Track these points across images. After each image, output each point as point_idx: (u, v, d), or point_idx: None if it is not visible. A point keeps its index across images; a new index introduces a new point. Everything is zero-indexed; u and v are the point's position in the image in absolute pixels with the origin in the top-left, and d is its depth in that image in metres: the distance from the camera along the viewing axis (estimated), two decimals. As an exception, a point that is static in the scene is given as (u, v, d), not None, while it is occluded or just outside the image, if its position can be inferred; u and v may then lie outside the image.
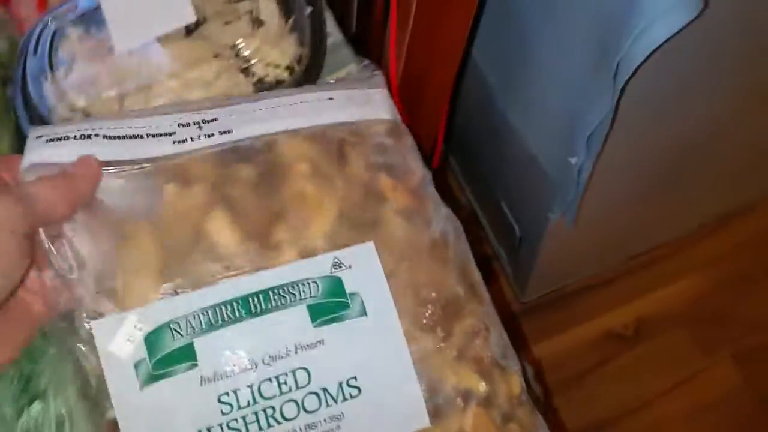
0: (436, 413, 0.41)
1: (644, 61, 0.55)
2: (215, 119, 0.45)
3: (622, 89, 0.59)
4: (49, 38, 0.54)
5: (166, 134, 0.43)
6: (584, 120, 0.66)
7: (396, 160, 0.46)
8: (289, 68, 0.54)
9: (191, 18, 0.52)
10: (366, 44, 0.74)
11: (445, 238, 0.47)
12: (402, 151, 0.47)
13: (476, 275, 0.49)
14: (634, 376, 1.08)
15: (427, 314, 0.43)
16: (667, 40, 0.53)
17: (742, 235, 1.15)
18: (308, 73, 0.55)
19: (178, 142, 0.43)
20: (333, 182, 0.44)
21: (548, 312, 1.11)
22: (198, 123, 0.44)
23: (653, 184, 0.89)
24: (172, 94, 0.50)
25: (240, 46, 0.53)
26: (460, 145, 1.09)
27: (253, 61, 0.53)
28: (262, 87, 0.53)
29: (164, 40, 0.52)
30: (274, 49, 0.53)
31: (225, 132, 0.44)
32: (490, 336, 0.45)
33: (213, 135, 0.44)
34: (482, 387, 0.42)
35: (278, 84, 0.54)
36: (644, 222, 1.02)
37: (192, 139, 0.43)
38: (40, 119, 0.52)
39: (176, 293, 0.39)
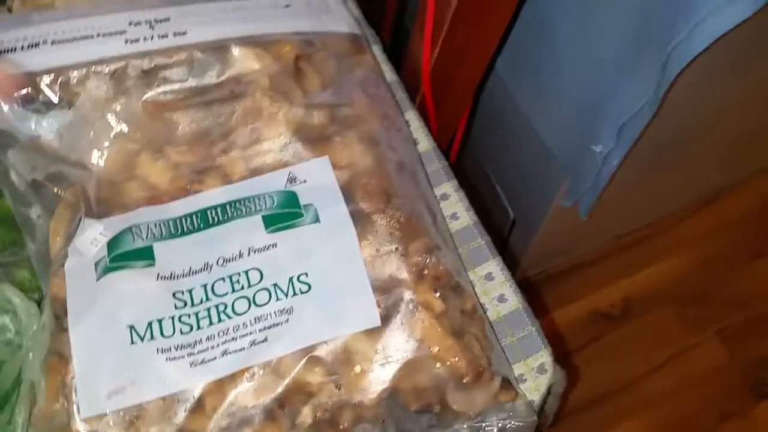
0: (387, 316, 0.42)
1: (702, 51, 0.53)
2: (167, 18, 0.45)
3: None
4: None
5: (117, 33, 0.44)
6: (616, 108, 0.65)
7: (356, 78, 0.48)
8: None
9: None
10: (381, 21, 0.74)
11: (411, 171, 0.49)
12: (363, 69, 0.49)
13: (435, 202, 0.51)
14: (621, 354, 1.08)
15: (384, 224, 0.44)
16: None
17: (726, 215, 1.16)
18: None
19: (131, 41, 0.44)
20: (289, 98, 0.46)
21: (537, 293, 1.12)
22: (150, 22, 0.44)
23: (642, 167, 0.89)
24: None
25: None
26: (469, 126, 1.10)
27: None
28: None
29: None
30: None
31: (179, 33, 0.44)
32: (443, 254, 0.46)
33: (167, 36, 0.44)
34: (438, 305, 0.43)
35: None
36: (632, 203, 1.03)
37: (144, 39, 0.44)
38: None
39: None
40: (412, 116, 0.56)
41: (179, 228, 0.42)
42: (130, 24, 0.44)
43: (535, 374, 0.47)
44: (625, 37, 0.61)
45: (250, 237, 0.42)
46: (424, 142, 0.55)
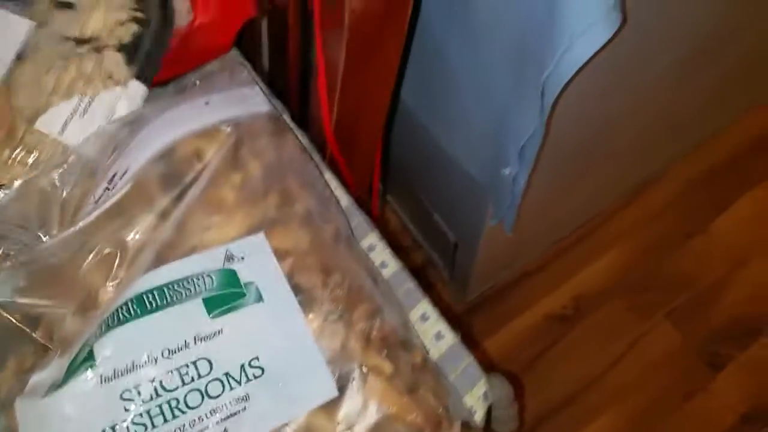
0: (341, 387, 0.42)
1: (571, 79, 0.55)
2: (114, 174, 0.48)
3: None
4: None
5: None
6: (512, 133, 0.67)
7: (285, 157, 0.50)
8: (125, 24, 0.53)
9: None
10: (282, 84, 0.77)
11: (346, 238, 0.50)
12: (288, 147, 0.50)
13: (370, 263, 0.52)
14: (582, 353, 1.11)
15: (326, 297, 0.45)
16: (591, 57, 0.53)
17: (653, 202, 1.21)
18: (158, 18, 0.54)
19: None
20: (233, 184, 0.47)
21: (490, 307, 1.14)
22: (107, 187, 0.47)
23: (557, 176, 0.93)
24: (58, 108, 0.51)
25: (68, 34, 0.52)
26: (386, 166, 1.13)
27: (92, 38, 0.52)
28: (127, 51, 0.53)
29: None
30: (91, 19, 0.53)
31: (124, 173, 0.47)
32: (386, 314, 0.47)
33: (117, 185, 0.47)
34: (388, 367, 0.44)
35: (137, 39, 0.53)
36: (567, 206, 1.07)
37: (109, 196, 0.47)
38: None
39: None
40: (328, 176, 0.57)
41: (115, 319, 0.42)
42: (96, 202, 0.47)
43: (482, 403, 0.49)
44: (507, 66, 0.64)
45: (193, 324, 0.42)
46: (343, 200, 0.57)
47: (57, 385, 0.40)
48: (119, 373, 0.40)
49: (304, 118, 0.69)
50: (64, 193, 0.50)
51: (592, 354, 1.11)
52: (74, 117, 0.51)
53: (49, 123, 0.51)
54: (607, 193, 1.16)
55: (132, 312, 0.42)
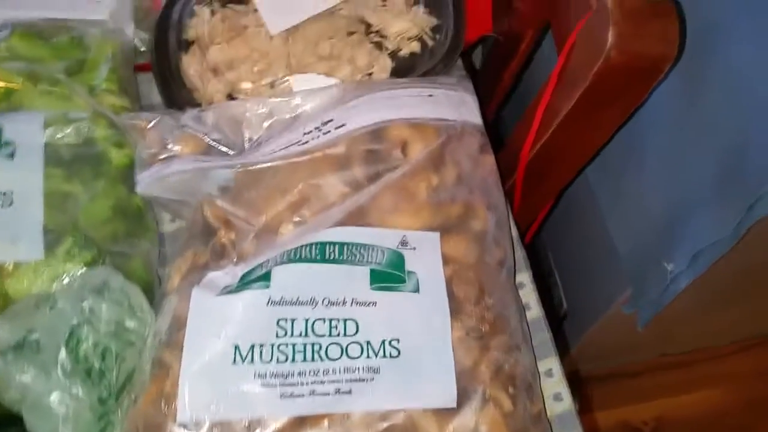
0: (460, 401, 0.43)
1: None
2: (331, 120, 0.51)
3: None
4: (182, 13, 0.61)
5: (296, 143, 0.51)
6: (690, 232, 0.65)
7: (480, 174, 0.52)
8: (420, 39, 0.58)
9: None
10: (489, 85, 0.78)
11: (509, 268, 0.52)
12: (486, 165, 0.52)
13: (521, 301, 0.53)
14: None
15: (475, 314, 0.47)
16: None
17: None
18: (449, 44, 0.59)
19: (302, 143, 0.50)
20: (429, 181, 0.49)
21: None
22: (318, 127, 0.51)
23: (709, 295, 0.88)
24: (315, 76, 0.56)
25: (369, 20, 0.57)
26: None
27: (384, 35, 0.57)
28: (399, 60, 0.58)
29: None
30: (400, 20, 0.58)
31: (339, 126, 0.50)
32: (522, 355, 0.48)
33: (330, 132, 0.51)
34: (508, 404, 0.45)
35: (413, 57, 0.58)
36: (698, 325, 1.03)
37: (313, 139, 0.50)
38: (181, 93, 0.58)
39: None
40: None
41: (298, 254, 0.45)
42: (305, 134, 0.51)
43: None
44: (713, 168, 0.62)
45: (355, 287, 0.45)
46: (513, 231, 0.57)
47: (231, 290, 0.44)
48: (284, 302, 0.43)
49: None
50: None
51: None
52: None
53: (299, 82, 0.55)
54: (737, 329, 1.11)
55: (313, 255, 0.45)
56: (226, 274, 0.45)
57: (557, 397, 0.51)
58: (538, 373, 0.50)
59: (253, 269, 0.45)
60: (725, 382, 1.13)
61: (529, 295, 0.56)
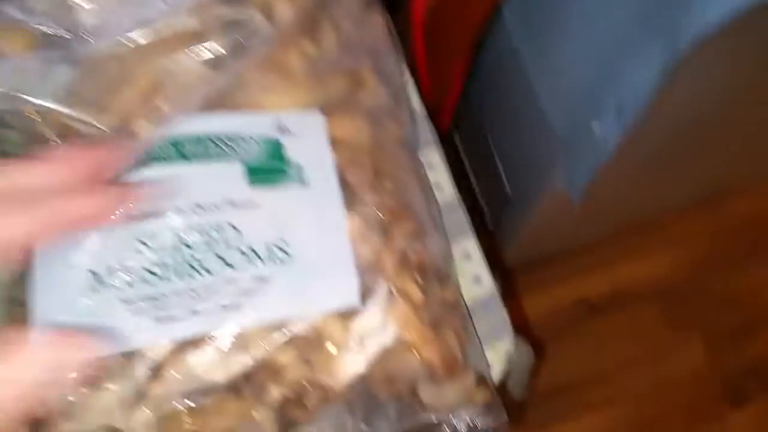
0: (365, 299, 0.39)
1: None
2: None
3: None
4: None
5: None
6: (617, 85, 0.61)
7: (368, 37, 0.45)
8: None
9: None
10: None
11: (410, 146, 0.46)
12: (374, 27, 0.45)
13: (427, 181, 0.48)
14: (601, 344, 1.07)
15: (373, 201, 0.41)
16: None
17: (726, 217, 1.14)
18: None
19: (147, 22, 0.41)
20: (304, 51, 0.42)
21: (523, 273, 1.10)
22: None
23: (659, 160, 0.86)
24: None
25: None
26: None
27: None
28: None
29: None
30: None
31: None
32: (429, 239, 0.43)
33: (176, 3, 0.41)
34: (417, 295, 0.40)
35: None
36: (638, 195, 1.01)
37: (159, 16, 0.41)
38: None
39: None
40: (407, 75, 0.52)
41: (151, 156, 0.38)
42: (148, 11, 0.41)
43: (503, 361, 0.46)
44: (632, 12, 0.58)
45: (229, 187, 0.39)
46: (414, 103, 0.51)
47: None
48: (143, 215, 0.37)
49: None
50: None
51: (611, 349, 1.07)
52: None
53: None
54: (683, 194, 1.09)
55: (170, 154, 0.38)
56: None
57: (477, 280, 0.47)
58: (451, 257, 0.45)
59: None
60: (675, 245, 1.12)
61: (440, 174, 0.50)
